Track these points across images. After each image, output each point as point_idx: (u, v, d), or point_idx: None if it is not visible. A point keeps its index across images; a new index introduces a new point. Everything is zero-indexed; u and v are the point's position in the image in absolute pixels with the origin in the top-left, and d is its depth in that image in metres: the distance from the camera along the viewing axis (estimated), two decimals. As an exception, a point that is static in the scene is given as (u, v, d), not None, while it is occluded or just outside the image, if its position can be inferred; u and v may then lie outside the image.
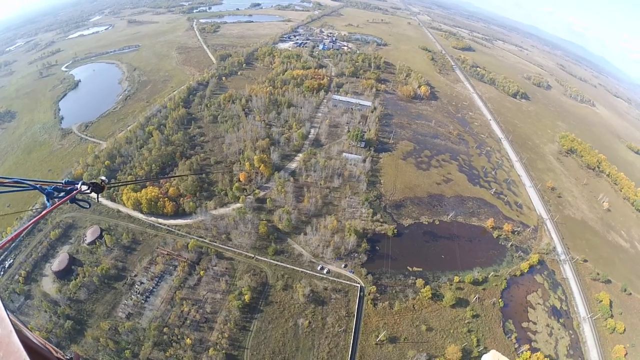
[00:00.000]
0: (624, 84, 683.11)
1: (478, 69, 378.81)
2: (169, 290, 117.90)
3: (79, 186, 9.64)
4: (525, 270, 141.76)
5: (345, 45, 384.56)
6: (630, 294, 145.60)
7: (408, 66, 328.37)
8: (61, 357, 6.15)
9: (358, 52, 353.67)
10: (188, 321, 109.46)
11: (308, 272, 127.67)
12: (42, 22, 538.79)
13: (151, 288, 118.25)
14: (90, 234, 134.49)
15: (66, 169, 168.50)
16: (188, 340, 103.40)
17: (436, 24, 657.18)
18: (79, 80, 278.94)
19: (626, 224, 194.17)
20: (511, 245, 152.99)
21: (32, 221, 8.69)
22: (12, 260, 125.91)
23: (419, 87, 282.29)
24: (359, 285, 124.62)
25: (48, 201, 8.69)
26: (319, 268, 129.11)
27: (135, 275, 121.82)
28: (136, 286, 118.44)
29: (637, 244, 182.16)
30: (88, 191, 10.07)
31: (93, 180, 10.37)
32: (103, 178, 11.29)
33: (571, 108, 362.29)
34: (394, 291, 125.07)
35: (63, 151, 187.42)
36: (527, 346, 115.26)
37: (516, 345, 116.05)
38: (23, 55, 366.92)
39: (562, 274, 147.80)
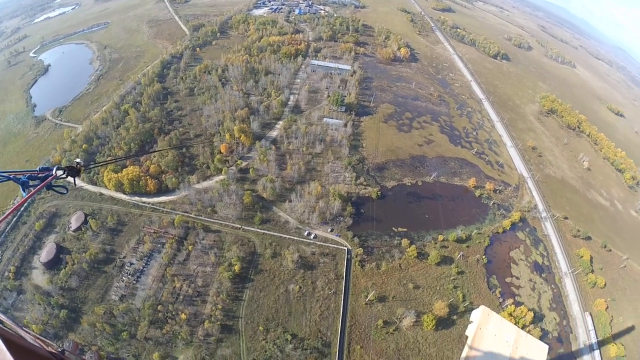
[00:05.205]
0: (605, 47, 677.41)
1: (458, 30, 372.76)
2: (159, 268, 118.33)
3: (54, 172, 9.42)
4: (508, 228, 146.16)
5: (322, 9, 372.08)
6: (610, 250, 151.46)
7: (387, 28, 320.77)
8: (53, 351, 6.11)
9: (335, 15, 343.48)
10: (181, 297, 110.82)
11: (295, 238, 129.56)
12: (5, 9, 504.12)
13: (141, 268, 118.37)
14: (74, 221, 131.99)
15: (44, 157, 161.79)
16: (183, 316, 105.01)
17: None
18: (49, 65, 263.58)
19: (606, 183, 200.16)
20: (493, 203, 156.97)
21: (7, 213, 8.40)
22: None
23: (399, 49, 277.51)
24: (346, 248, 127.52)
25: (24, 191, 8.53)
26: (305, 234, 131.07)
27: (124, 257, 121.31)
28: (126, 267, 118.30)
29: (617, 202, 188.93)
30: (64, 176, 9.83)
31: (69, 165, 10.16)
32: (78, 161, 11.09)
33: (552, 69, 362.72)
34: (380, 252, 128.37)
35: (39, 139, 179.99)
36: (511, 300, 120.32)
37: (500, 300, 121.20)
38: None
39: (544, 230, 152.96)
